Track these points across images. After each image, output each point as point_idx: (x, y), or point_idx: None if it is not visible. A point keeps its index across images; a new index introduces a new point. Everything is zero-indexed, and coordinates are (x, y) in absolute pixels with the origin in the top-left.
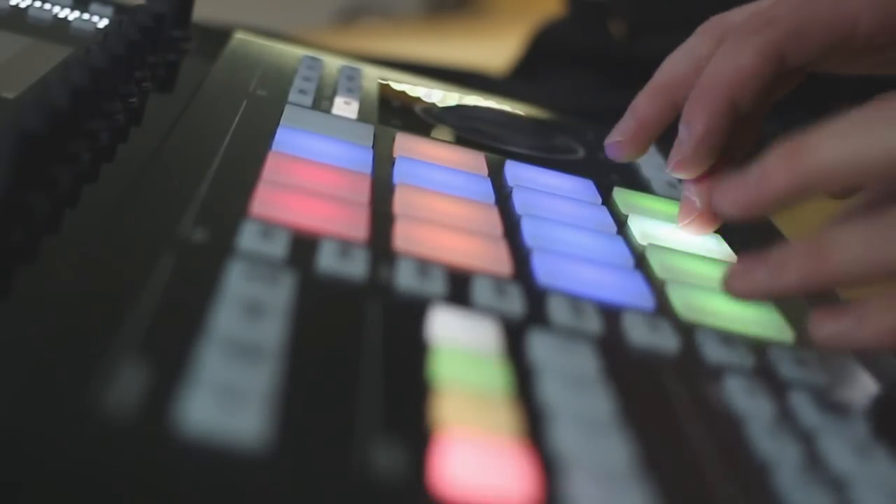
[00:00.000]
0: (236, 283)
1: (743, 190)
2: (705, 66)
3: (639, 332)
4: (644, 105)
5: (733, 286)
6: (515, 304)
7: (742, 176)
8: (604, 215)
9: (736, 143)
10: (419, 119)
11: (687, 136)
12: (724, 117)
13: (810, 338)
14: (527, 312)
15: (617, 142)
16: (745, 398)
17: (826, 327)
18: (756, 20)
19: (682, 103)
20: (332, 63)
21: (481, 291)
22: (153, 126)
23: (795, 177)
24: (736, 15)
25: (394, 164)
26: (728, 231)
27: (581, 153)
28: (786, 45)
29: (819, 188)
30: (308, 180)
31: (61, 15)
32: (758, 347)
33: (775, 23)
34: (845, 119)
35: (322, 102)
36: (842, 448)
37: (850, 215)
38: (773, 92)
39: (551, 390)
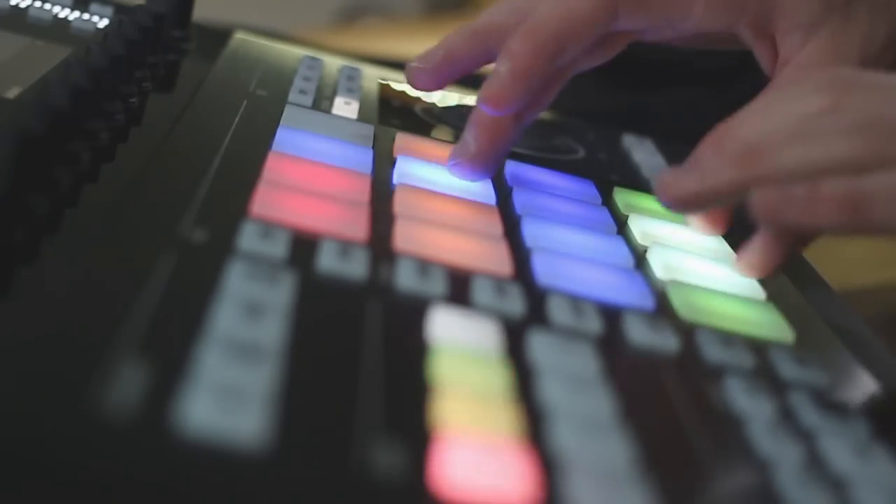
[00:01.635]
0: (236, 283)
1: (689, 183)
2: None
3: (639, 332)
4: (456, 40)
5: (665, 193)
6: (515, 304)
7: (690, 168)
8: (604, 215)
9: (534, 101)
10: (419, 119)
11: (506, 68)
12: (547, 56)
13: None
14: (527, 312)
15: (419, 67)
16: (745, 398)
17: (768, 199)
18: None
19: (496, 51)
20: (332, 63)
21: (481, 291)
22: (153, 126)
23: (748, 178)
24: None
25: (394, 164)
26: (728, 232)
27: (581, 153)
28: (622, 1)
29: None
30: (308, 180)
31: (61, 15)
32: (758, 347)
33: None
34: (799, 120)
35: (322, 102)
36: (842, 448)
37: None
38: (594, 52)
39: (551, 390)
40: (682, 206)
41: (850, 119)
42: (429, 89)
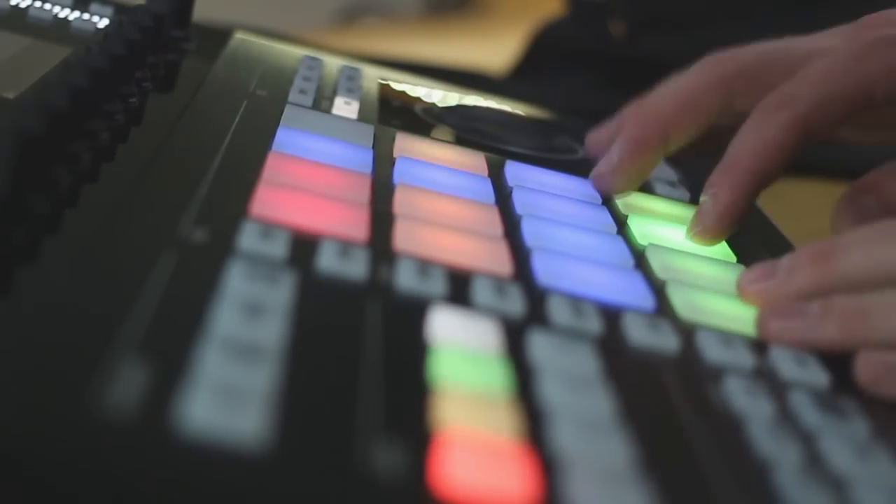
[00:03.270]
0: (236, 283)
1: (770, 283)
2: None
3: (639, 332)
4: (633, 130)
5: (765, 327)
6: (515, 304)
7: (772, 267)
8: (604, 215)
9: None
10: (419, 119)
11: (712, 205)
12: (749, 189)
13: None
14: (527, 312)
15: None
16: (745, 398)
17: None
18: (779, 95)
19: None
20: (332, 63)
21: (481, 291)
22: (153, 126)
23: (821, 279)
24: (746, 53)
25: (394, 164)
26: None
27: (581, 153)
28: (810, 118)
29: (840, 290)
30: (308, 180)
31: (61, 15)
32: (758, 347)
33: (799, 98)
34: (872, 228)
35: (322, 102)
36: (842, 448)
37: (889, 282)
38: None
39: (551, 390)
40: (782, 343)
41: None
42: (622, 192)
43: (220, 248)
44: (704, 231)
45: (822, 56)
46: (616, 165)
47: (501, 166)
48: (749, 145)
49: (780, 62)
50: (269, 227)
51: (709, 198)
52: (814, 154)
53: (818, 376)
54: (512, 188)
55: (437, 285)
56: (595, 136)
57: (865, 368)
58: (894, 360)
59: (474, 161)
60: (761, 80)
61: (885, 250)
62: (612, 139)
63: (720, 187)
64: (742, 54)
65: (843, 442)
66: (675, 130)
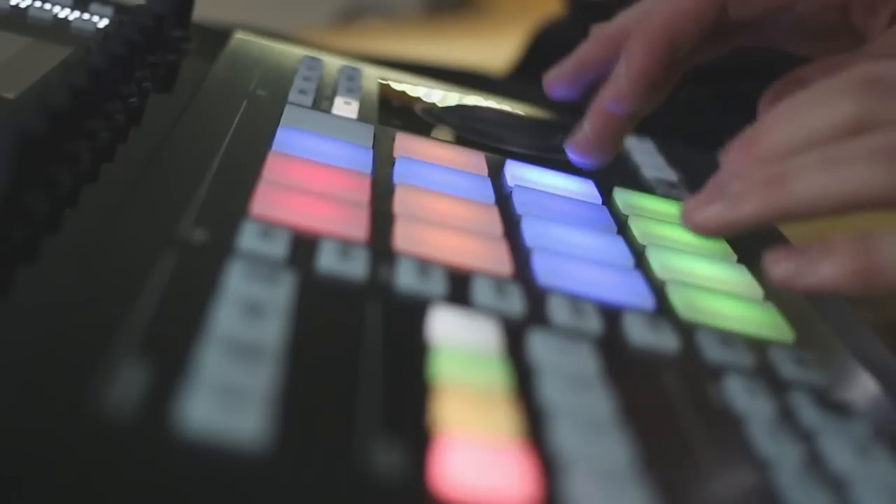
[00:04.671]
0: (236, 283)
1: (715, 209)
2: None
3: (639, 332)
4: (586, 47)
5: (690, 218)
6: (515, 304)
7: (714, 192)
8: (604, 215)
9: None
10: (419, 119)
11: (625, 70)
12: (661, 54)
13: (765, 277)
14: (527, 312)
15: (554, 77)
16: (745, 398)
17: (781, 267)
18: None
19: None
20: (332, 63)
21: (481, 291)
22: (153, 126)
23: (772, 207)
24: None
25: (394, 164)
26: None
27: None
28: None
29: (791, 219)
30: (308, 180)
31: (61, 15)
32: (758, 347)
33: None
34: (788, 101)
35: (322, 102)
36: (842, 448)
37: (811, 146)
38: (707, 46)
39: (551, 390)
40: (709, 233)
41: (874, 142)
42: (565, 98)
43: (220, 248)
44: (619, 97)
45: None
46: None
47: (501, 166)
48: (663, 10)
49: None
50: (269, 227)
51: (622, 63)
52: None
53: (818, 376)
54: (512, 188)
55: (437, 285)
56: (576, 137)
57: (777, 272)
58: (804, 256)
59: (474, 161)
60: None
61: (804, 116)
62: (567, 75)
63: (632, 50)
64: None
65: (843, 442)
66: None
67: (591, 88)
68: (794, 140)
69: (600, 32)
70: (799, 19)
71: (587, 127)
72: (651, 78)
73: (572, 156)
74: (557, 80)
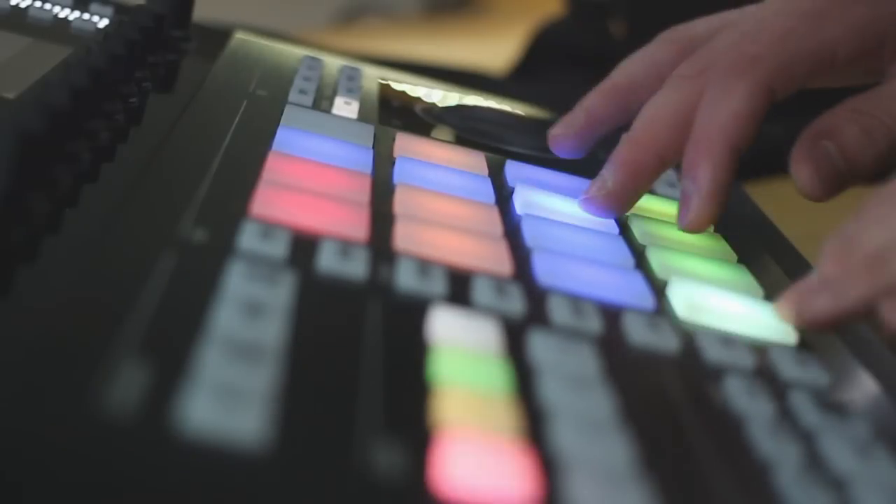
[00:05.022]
0: (236, 283)
1: (822, 301)
2: (665, 74)
3: (639, 332)
4: (596, 102)
5: (800, 315)
6: (515, 304)
7: (820, 284)
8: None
9: None
10: (419, 119)
11: (695, 190)
12: (728, 165)
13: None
14: (527, 312)
15: (562, 135)
16: (745, 398)
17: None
18: (739, 60)
19: (635, 108)
20: (332, 63)
21: (481, 291)
22: (153, 126)
23: (875, 290)
24: (699, 26)
25: (394, 164)
26: (728, 231)
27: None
28: (774, 81)
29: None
30: (308, 180)
31: (61, 15)
32: (758, 347)
33: (760, 61)
34: (877, 202)
35: (322, 102)
36: (842, 448)
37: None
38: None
39: (551, 390)
40: (818, 328)
41: None
42: (572, 156)
43: (220, 248)
44: (695, 218)
45: (781, 14)
46: (613, 189)
47: (501, 166)
48: (719, 119)
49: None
50: (269, 227)
51: (689, 182)
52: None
53: (818, 376)
54: (512, 188)
55: (437, 285)
56: (558, 130)
57: (891, 315)
58: None
59: (474, 161)
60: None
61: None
62: (576, 134)
63: (698, 168)
64: (696, 28)
65: (843, 442)
66: (671, 153)
67: (599, 145)
68: (890, 240)
69: (609, 85)
70: (836, 69)
71: (608, 175)
72: (725, 189)
73: (587, 207)
74: (565, 137)
